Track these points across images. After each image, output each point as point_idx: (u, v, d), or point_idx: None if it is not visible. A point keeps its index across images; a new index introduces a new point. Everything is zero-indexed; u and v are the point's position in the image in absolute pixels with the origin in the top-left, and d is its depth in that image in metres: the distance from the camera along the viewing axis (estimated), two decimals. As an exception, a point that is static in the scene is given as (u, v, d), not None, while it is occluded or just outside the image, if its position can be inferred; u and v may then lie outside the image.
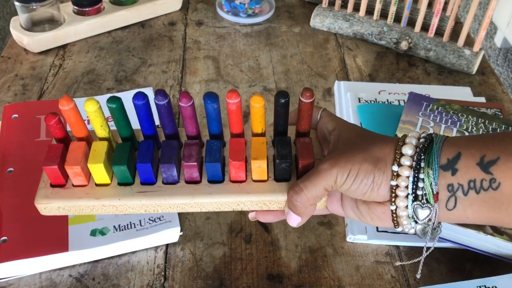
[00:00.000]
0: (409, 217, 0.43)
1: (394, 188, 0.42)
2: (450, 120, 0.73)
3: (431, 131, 0.71)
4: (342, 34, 0.99)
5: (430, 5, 0.93)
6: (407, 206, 0.42)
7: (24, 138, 0.72)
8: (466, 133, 0.71)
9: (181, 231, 0.61)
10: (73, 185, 0.45)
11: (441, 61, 0.91)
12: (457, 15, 0.92)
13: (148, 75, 0.88)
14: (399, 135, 0.70)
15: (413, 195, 0.41)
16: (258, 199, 0.45)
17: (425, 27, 0.92)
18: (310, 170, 0.44)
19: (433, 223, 0.42)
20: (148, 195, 0.44)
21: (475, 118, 0.73)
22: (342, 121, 0.48)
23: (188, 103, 0.44)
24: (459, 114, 0.74)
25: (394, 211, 0.43)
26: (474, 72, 0.89)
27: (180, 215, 0.62)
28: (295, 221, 0.45)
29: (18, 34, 0.92)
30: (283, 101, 0.45)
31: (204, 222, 0.64)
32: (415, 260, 0.50)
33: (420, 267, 0.49)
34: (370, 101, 0.80)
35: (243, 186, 0.45)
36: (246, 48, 0.96)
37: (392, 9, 0.92)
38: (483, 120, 0.73)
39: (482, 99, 0.82)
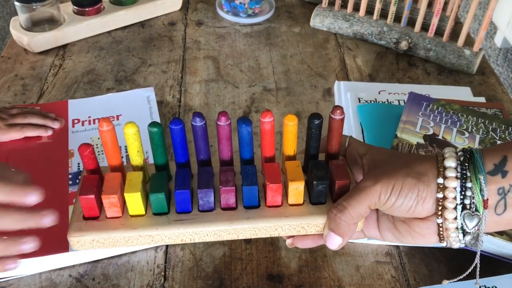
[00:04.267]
0: (457, 229, 0.43)
1: (441, 200, 0.42)
2: (450, 120, 0.73)
3: (431, 131, 0.71)
4: (342, 34, 0.99)
5: (430, 5, 0.93)
6: (455, 218, 0.42)
7: (26, 139, 0.72)
8: (466, 133, 0.71)
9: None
10: (106, 217, 0.45)
11: (441, 61, 0.91)
12: (457, 15, 0.93)
13: (148, 75, 0.88)
14: (399, 135, 0.70)
15: (461, 205, 0.42)
16: (296, 222, 0.45)
17: (425, 27, 0.92)
18: (349, 190, 0.45)
19: (482, 231, 0.42)
20: (185, 223, 0.44)
21: (475, 118, 0.73)
22: (372, 146, 0.48)
23: (227, 122, 0.44)
24: (459, 114, 0.74)
25: (440, 225, 0.43)
26: (474, 72, 0.89)
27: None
28: (336, 243, 0.44)
29: (18, 34, 0.92)
30: (317, 122, 0.45)
31: (204, 222, 0.64)
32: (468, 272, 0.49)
33: (477, 274, 0.48)
34: (370, 101, 0.80)
35: (280, 210, 0.45)
36: (246, 48, 0.96)
37: (392, 9, 0.92)
38: (483, 120, 0.73)
39: (482, 99, 0.82)
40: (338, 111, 0.45)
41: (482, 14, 1.31)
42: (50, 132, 0.73)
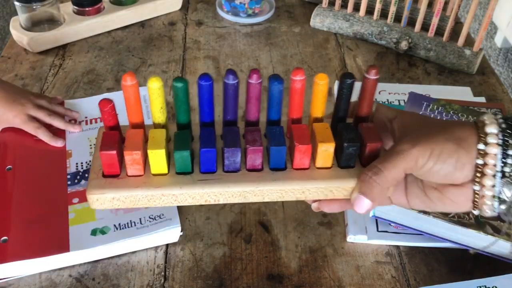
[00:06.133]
0: (494, 197, 0.42)
1: (480, 167, 0.41)
2: (450, 120, 0.73)
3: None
4: (342, 34, 0.99)
5: (430, 5, 0.93)
6: (494, 185, 0.41)
7: (24, 136, 0.72)
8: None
9: (181, 231, 0.61)
10: (127, 175, 0.42)
11: (441, 61, 0.91)
12: (457, 15, 0.92)
13: (148, 75, 0.88)
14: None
15: (501, 172, 0.41)
16: (324, 185, 0.43)
17: (425, 27, 0.92)
18: (379, 154, 0.43)
19: None
20: (210, 183, 0.42)
21: (475, 118, 0.73)
22: (401, 110, 0.47)
23: (258, 80, 0.42)
24: (459, 114, 0.74)
25: (477, 192, 0.42)
26: (474, 72, 0.89)
27: (180, 215, 0.62)
28: (365, 206, 0.42)
29: (18, 34, 0.92)
30: (349, 81, 0.43)
31: (204, 222, 0.64)
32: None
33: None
34: (370, 101, 0.80)
35: (308, 173, 0.44)
36: (246, 48, 0.96)
37: (392, 9, 0.92)
38: (483, 120, 0.73)
39: (482, 99, 0.82)
40: (373, 70, 0.43)
41: (482, 14, 1.31)
42: (60, 144, 0.71)
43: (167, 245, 0.61)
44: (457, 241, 0.59)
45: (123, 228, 0.59)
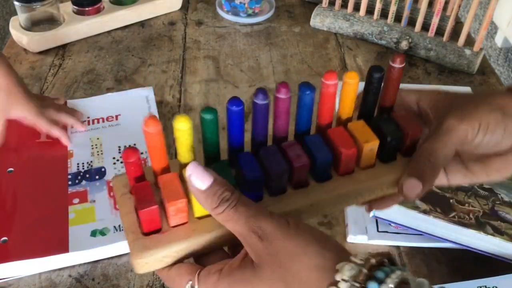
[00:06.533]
0: None
1: None
2: (450, 120, 0.73)
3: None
4: (342, 34, 0.99)
5: (430, 4, 0.93)
6: None
7: (25, 138, 0.72)
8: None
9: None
10: (170, 227, 0.37)
11: (441, 61, 0.91)
12: (458, 15, 0.92)
13: (148, 75, 0.88)
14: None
15: None
16: (375, 185, 0.41)
17: (425, 27, 0.91)
18: (418, 141, 0.42)
19: None
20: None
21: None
22: (419, 90, 0.45)
23: (287, 94, 0.40)
24: (460, 114, 0.74)
25: None
26: (474, 72, 0.89)
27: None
28: (416, 190, 0.39)
29: (18, 34, 0.91)
30: (377, 75, 0.42)
31: (204, 222, 0.64)
32: None
33: None
34: (370, 101, 0.80)
35: (355, 176, 0.41)
36: (246, 48, 0.96)
37: (393, 9, 0.92)
38: (483, 120, 0.73)
39: (482, 99, 0.82)
40: (398, 59, 0.42)
41: (483, 14, 1.31)
42: (67, 142, 0.72)
43: (167, 245, 0.61)
44: (457, 241, 0.59)
45: (122, 230, 0.59)
